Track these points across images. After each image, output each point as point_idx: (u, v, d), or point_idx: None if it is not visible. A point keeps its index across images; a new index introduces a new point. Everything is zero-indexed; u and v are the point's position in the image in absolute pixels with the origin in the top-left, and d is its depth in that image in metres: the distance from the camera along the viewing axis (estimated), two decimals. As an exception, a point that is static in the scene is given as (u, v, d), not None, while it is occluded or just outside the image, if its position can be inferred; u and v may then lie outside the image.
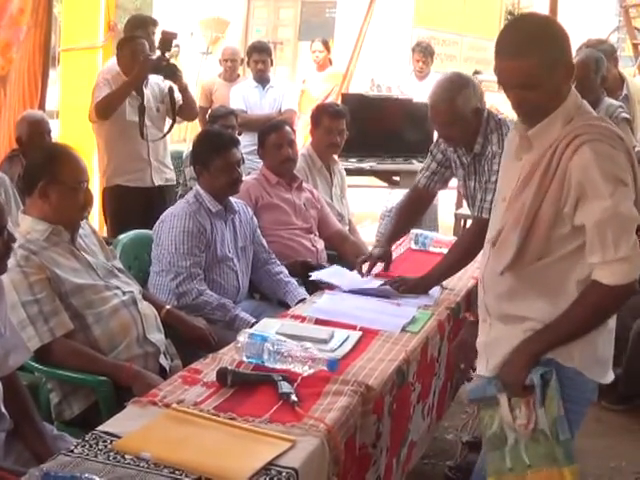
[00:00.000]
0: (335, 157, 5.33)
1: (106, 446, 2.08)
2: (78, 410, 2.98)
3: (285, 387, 2.43)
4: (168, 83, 5.43)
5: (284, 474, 2.00)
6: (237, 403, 2.37)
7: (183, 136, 12.17)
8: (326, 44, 8.74)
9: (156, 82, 5.49)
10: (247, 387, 2.47)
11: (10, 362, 2.51)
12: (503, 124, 3.57)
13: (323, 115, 5.14)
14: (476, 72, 14.89)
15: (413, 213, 4.17)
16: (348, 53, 9.34)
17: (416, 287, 3.67)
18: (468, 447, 4.23)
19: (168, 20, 12.40)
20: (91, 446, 2.08)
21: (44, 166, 3.02)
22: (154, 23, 6.04)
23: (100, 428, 2.19)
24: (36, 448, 2.47)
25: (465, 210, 6.68)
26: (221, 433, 2.18)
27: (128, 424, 2.21)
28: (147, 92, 5.38)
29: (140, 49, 5.33)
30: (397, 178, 7.30)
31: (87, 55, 6.89)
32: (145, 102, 5.32)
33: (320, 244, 4.67)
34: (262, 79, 7.12)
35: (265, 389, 2.46)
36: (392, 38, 12.47)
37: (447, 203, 8.50)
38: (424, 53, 8.33)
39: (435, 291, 3.70)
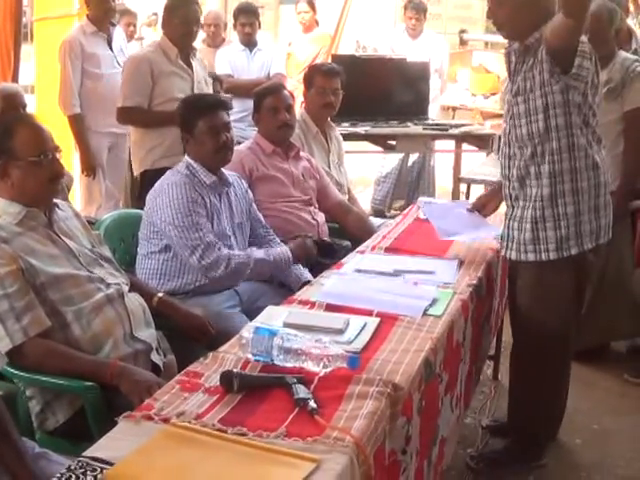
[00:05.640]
0: (330, 122, 4.98)
1: (96, 477, 1.73)
2: (63, 418, 2.61)
3: (301, 391, 2.08)
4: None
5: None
6: (246, 413, 2.02)
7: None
8: (311, 4, 8.32)
9: (197, 56, 5.19)
10: (257, 392, 2.13)
11: (-20, 372, 2.17)
12: None
13: (316, 75, 4.80)
14: (462, 31, 14.57)
15: None
16: (332, 14, 8.93)
17: None
18: (489, 432, 3.93)
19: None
20: (78, 477, 1.73)
21: None
22: None
23: (88, 453, 1.82)
24: (15, 470, 2.12)
25: (470, 174, 6.27)
26: (230, 454, 1.82)
27: (120, 445, 1.86)
28: (195, 64, 5.07)
29: (193, 17, 4.99)
30: (393, 142, 6.92)
31: (62, 24, 6.50)
32: (195, 76, 5.04)
33: (320, 217, 4.31)
34: (249, 42, 6.77)
35: (278, 394, 2.11)
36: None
37: (443, 167, 8.16)
38: (417, 10, 7.90)
39: (453, 266, 3.37)
